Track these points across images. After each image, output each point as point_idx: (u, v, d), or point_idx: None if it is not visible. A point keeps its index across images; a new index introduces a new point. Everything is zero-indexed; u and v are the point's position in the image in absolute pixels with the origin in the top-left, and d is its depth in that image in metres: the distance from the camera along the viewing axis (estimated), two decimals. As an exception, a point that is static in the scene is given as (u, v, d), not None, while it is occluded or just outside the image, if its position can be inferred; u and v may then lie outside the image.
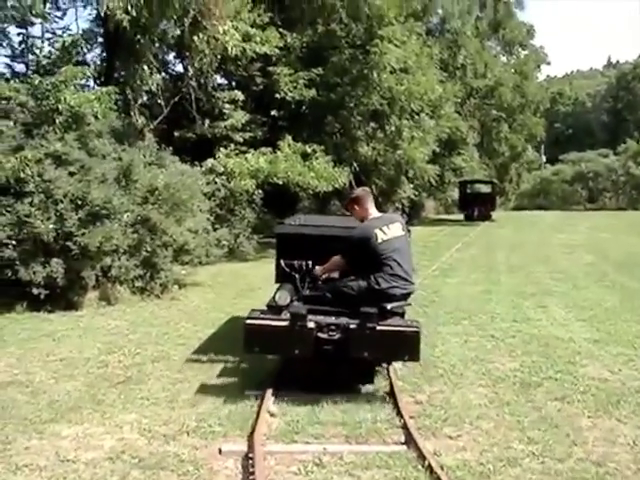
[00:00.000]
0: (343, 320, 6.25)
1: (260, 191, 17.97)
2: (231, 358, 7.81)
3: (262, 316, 6.41)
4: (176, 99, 17.79)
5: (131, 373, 7.26)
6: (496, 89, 35.60)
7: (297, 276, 7.19)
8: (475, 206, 39.10)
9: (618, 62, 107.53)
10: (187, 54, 15.54)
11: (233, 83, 21.90)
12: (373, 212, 6.87)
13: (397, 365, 7.46)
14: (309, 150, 17.74)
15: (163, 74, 19.17)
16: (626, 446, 5.31)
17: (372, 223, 6.70)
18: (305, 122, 21.43)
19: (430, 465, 4.74)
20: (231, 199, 17.36)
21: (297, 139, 18.94)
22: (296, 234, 7.82)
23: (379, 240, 6.48)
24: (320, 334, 6.17)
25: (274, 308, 6.53)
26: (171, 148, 14.32)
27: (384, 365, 7.36)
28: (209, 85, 17.78)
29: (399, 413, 5.89)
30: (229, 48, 14.26)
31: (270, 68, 19.71)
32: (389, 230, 6.60)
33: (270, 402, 6.18)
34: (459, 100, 32.19)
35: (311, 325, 6.15)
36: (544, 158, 74.92)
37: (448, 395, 6.54)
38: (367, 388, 6.61)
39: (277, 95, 19.40)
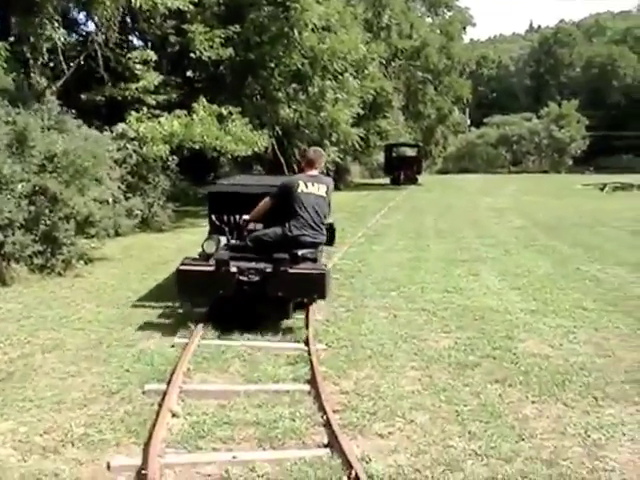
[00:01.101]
0: (261, 265, 7.19)
1: (175, 157, 16.87)
2: (133, 345, 6.92)
3: (192, 262, 7.36)
4: (81, 58, 16.38)
5: (15, 368, 6.26)
6: (422, 50, 34.78)
7: (226, 228, 8.16)
8: (401, 170, 38.63)
9: (540, 27, 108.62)
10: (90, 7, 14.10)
11: (148, 43, 20.51)
12: (312, 171, 7.84)
13: (320, 346, 6.76)
14: (225, 112, 16.63)
15: (72, 34, 17.63)
16: (577, 437, 4.70)
17: (300, 176, 7.84)
18: (223, 84, 20.28)
19: (357, 476, 3.99)
20: (144, 166, 16.17)
21: (215, 101, 17.82)
22: (226, 192, 8.76)
23: (299, 190, 7.52)
24: (241, 277, 7.12)
25: (203, 256, 7.43)
26: (73, 112, 13.08)
27: (304, 347, 6.64)
28: (111, 41, 16.36)
29: (322, 407, 5.13)
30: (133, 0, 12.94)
31: (185, 26, 18.41)
32: (312, 187, 7.59)
33: (173, 399, 5.33)
34: (384, 61, 31.40)
35: (233, 269, 7.11)
36: (469, 121, 75.30)
37: (377, 381, 5.82)
38: (285, 323, 7.45)
39: (192, 55, 18.15)
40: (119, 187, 15.44)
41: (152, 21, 19.22)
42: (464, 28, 40.54)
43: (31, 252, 10.39)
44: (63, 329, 7.65)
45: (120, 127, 16.50)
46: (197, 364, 6.29)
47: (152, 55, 18.17)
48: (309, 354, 6.44)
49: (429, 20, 39.77)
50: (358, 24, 28.26)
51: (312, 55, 19.79)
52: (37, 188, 10.62)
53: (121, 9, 14.17)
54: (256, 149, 17.25)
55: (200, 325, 7.46)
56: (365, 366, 6.23)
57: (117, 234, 15.20)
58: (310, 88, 20.87)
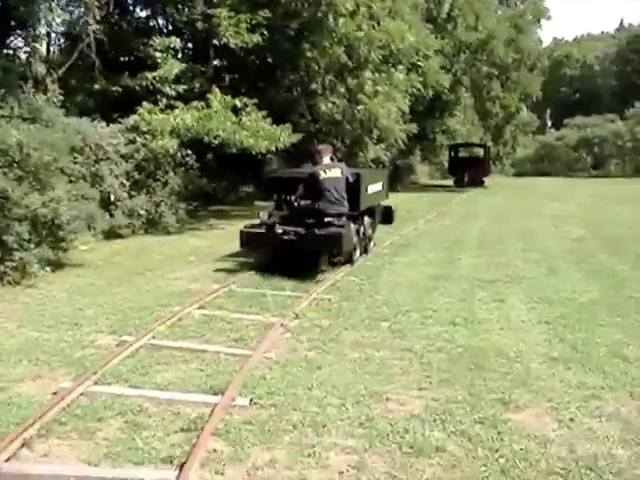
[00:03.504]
0: (298, 228, 9.94)
1: (189, 152, 15.30)
2: (6, 388, 5.33)
3: (250, 226, 10.56)
4: (85, 45, 14.91)
5: None
6: (487, 43, 32.23)
7: (284, 205, 10.72)
8: (465, 171, 35.89)
9: (631, 25, 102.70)
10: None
11: (170, 27, 19.09)
12: (325, 160, 10.61)
13: (241, 402, 5.03)
14: (240, 104, 14.91)
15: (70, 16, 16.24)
16: None
17: (319, 167, 10.43)
18: (253, 74, 18.62)
19: None
20: (152, 161, 14.65)
21: (241, 93, 16.19)
22: (281, 177, 11.92)
23: (321, 177, 10.16)
24: (284, 237, 9.92)
25: (260, 222, 10.33)
26: (55, 100, 11.70)
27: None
28: (101, 25, 14.78)
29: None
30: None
31: (210, 10, 16.83)
32: (330, 172, 10.29)
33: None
34: (444, 54, 29.00)
35: (279, 231, 10.01)
36: (550, 122, 71.58)
37: (278, 474, 3.99)
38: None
39: (215, 42, 16.55)
40: (123, 183, 14.11)
41: (179, 6, 17.77)
42: (538, 21, 37.51)
43: (-26, 258, 8.98)
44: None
45: (132, 119, 15.11)
46: (57, 425, 4.65)
47: (175, 42, 16.71)
48: (210, 417, 4.66)
49: (500, 13, 37.00)
50: (418, 14, 26.25)
51: (347, 44, 17.78)
52: (-15, 186, 9.17)
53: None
54: (281, 145, 15.45)
55: (112, 363, 5.84)
56: (280, 442, 4.40)
57: (119, 236, 13.93)
58: (349, 79, 18.91)
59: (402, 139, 22.03)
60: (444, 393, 5.31)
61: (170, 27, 19.43)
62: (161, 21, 19.87)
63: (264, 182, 12.12)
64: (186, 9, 18.40)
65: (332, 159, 10.97)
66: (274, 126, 14.99)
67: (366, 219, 11.84)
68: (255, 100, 15.13)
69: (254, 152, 15.03)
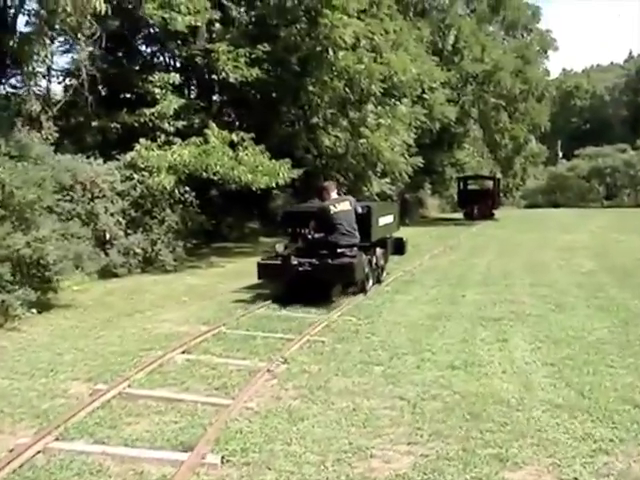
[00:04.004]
0: (312, 259, 10.43)
1: (188, 188, 15.00)
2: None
3: (267, 258, 11.07)
4: (79, 82, 14.75)
5: None
6: (494, 74, 31.94)
7: (299, 238, 11.10)
8: (475, 204, 35.43)
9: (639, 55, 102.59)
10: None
11: (177, 64, 18.95)
12: (333, 195, 11.09)
13: (211, 459, 4.57)
14: (236, 139, 14.62)
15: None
16: None
17: (328, 202, 10.89)
18: (257, 108, 18.36)
19: None
20: (149, 198, 14.35)
21: (250, 128, 15.95)
22: (295, 212, 12.23)
23: (332, 211, 10.65)
24: (299, 268, 10.37)
25: (275, 254, 10.81)
26: (49, 137, 11.41)
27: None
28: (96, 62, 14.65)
29: None
30: (97, 4, 11.03)
31: (209, 45, 16.67)
32: (339, 205, 10.75)
33: None
34: (451, 86, 28.83)
35: (294, 262, 10.45)
36: (561, 153, 71.13)
37: None
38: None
39: (215, 77, 16.37)
40: (119, 221, 13.83)
41: (178, 42, 17.65)
42: (545, 51, 37.31)
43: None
44: None
45: (129, 156, 14.84)
46: (5, 489, 4.20)
47: (174, 77, 16.49)
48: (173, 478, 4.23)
49: (506, 44, 36.80)
50: (423, 47, 26.10)
51: (347, 77, 17.51)
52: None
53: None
54: (281, 180, 15.13)
55: (79, 415, 5.43)
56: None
57: (114, 275, 13.63)
58: (352, 113, 18.62)
59: (407, 172, 21.62)
60: (435, 448, 4.84)
61: (176, 63, 19.31)
62: (166, 58, 19.73)
63: (281, 216, 12.70)
64: (186, 45, 18.19)
65: (339, 193, 11.71)
66: (273, 161, 14.68)
67: (378, 250, 12.34)
68: (252, 134, 14.88)
69: (254, 188, 14.68)
